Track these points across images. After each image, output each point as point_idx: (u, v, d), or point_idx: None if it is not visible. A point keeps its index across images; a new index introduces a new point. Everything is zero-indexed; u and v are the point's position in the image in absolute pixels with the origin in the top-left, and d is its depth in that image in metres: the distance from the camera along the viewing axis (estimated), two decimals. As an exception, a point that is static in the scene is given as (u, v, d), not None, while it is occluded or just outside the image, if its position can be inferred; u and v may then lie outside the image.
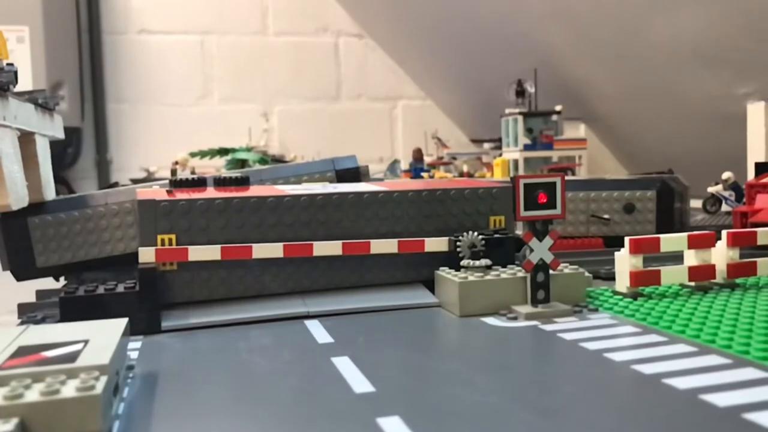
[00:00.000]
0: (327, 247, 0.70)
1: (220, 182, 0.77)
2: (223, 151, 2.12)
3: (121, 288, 0.65)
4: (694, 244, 0.72)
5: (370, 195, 0.73)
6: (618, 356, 0.51)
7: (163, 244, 0.67)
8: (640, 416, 0.40)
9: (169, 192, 0.71)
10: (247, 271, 0.69)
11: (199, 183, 0.76)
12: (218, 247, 0.67)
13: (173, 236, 0.67)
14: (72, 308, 0.62)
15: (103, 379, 0.38)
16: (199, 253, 0.67)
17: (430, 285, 0.74)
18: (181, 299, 0.68)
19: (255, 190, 0.74)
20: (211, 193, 0.71)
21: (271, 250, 0.69)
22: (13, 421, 0.35)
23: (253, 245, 0.68)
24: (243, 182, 0.77)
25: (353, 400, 0.44)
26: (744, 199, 1.13)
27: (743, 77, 1.09)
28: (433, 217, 0.74)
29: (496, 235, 0.73)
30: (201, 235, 0.68)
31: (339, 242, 0.71)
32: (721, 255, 0.72)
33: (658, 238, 0.70)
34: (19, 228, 0.78)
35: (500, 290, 0.66)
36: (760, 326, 0.56)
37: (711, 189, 1.32)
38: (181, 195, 0.69)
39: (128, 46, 2.55)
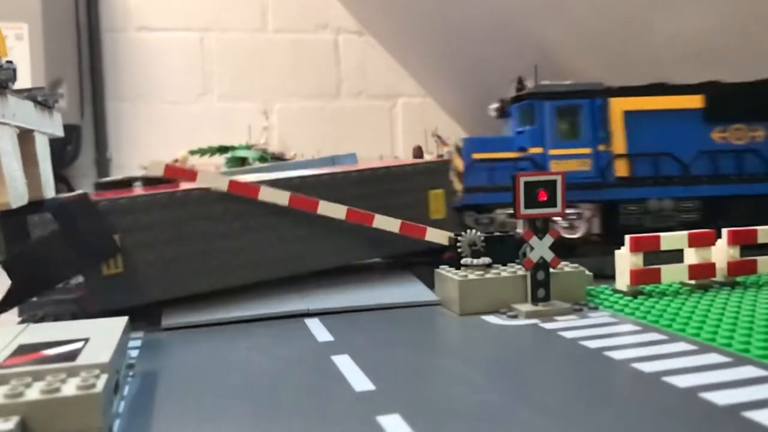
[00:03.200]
0: (331, 209, 0.72)
1: (149, 182, 0.76)
2: (222, 149, 2.12)
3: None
4: (694, 242, 0.72)
5: (314, 178, 0.73)
6: (618, 354, 0.51)
7: None
8: (640, 414, 0.40)
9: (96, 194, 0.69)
10: (210, 261, 0.67)
11: (125, 184, 0.75)
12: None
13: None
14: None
15: (104, 377, 0.38)
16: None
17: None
18: (130, 303, 0.64)
19: (191, 183, 0.72)
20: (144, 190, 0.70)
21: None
22: (14, 420, 0.35)
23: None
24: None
25: (353, 399, 0.44)
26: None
27: (743, 77, 1.09)
28: (377, 196, 0.75)
29: (497, 234, 0.73)
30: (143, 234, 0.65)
31: (343, 208, 0.72)
32: (721, 253, 0.72)
33: (659, 237, 0.70)
34: (19, 226, 0.78)
35: (500, 288, 0.66)
36: (761, 325, 0.56)
37: None
38: (109, 196, 0.67)
39: (128, 43, 2.55)
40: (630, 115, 0.88)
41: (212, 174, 0.73)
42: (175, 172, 0.68)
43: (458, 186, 0.88)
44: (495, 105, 0.97)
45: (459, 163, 0.88)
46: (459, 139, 0.90)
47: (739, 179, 0.88)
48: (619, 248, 0.71)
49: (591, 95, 0.87)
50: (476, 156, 0.88)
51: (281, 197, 0.70)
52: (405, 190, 0.77)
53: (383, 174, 0.76)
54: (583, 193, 0.85)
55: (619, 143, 0.87)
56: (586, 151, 0.86)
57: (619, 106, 0.88)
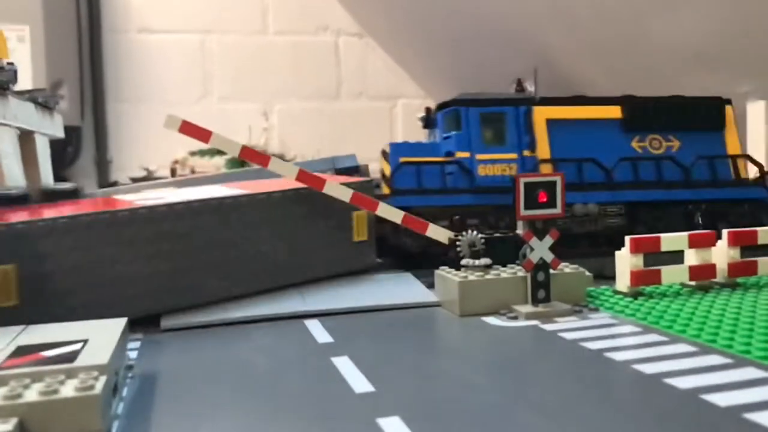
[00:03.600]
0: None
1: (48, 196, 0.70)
2: (222, 150, 2.12)
3: None
4: (694, 243, 0.71)
5: (231, 200, 0.68)
6: (618, 356, 0.51)
7: None
8: (640, 416, 0.40)
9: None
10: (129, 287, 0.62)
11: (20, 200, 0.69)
12: None
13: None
14: None
15: (103, 378, 0.38)
16: None
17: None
18: None
19: (96, 204, 0.67)
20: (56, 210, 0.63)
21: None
22: (12, 421, 0.34)
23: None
24: (72, 194, 0.72)
25: (353, 400, 0.44)
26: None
27: (743, 76, 1.08)
28: (301, 217, 0.73)
29: (497, 234, 0.73)
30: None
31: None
32: (721, 254, 0.72)
33: (659, 238, 0.70)
34: None
35: (500, 289, 0.66)
36: (761, 326, 0.56)
37: None
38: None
39: (128, 45, 2.55)
40: (553, 124, 0.91)
41: (225, 138, 0.71)
42: (190, 129, 0.68)
43: (386, 190, 0.88)
44: (420, 114, 0.99)
45: (386, 168, 0.90)
46: (386, 144, 0.92)
47: (658, 185, 0.91)
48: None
49: (515, 103, 0.91)
50: (403, 159, 0.89)
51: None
52: (328, 212, 0.75)
53: (306, 194, 0.73)
54: (509, 197, 0.86)
55: (543, 150, 0.90)
56: (512, 156, 0.89)
57: (542, 114, 0.92)
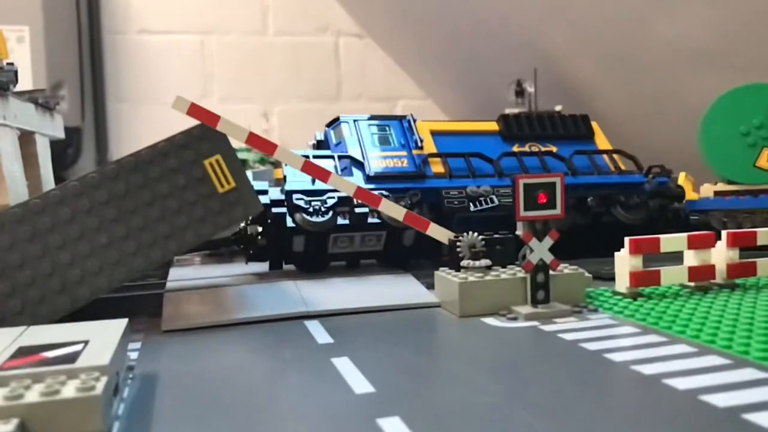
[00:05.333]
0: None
1: None
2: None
3: None
4: (693, 244, 0.72)
5: (65, 187, 0.63)
6: (618, 356, 0.51)
7: None
8: (639, 417, 0.40)
9: None
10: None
11: None
12: None
13: None
14: None
15: (104, 379, 0.38)
16: None
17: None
18: None
19: None
20: None
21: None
22: (14, 422, 0.35)
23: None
24: None
25: (353, 401, 0.44)
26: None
27: (743, 77, 1.09)
28: (140, 188, 0.65)
29: (496, 235, 0.73)
30: None
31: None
32: (720, 255, 0.72)
33: (658, 239, 0.70)
34: None
35: (500, 290, 0.66)
36: (760, 327, 0.56)
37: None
38: None
39: (128, 45, 2.55)
40: (437, 134, 0.98)
41: (232, 124, 0.70)
42: (198, 112, 0.67)
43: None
44: (311, 142, 1.03)
45: (279, 172, 0.93)
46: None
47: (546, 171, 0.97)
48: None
49: (397, 118, 0.97)
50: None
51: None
52: (172, 170, 0.66)
53: (134, 164, 0.65)
54: (405, 182, 0.89)
55: (430, 149, 0.95)
56: (401, 153, 0.92)
57: (425, 126, 0.98)
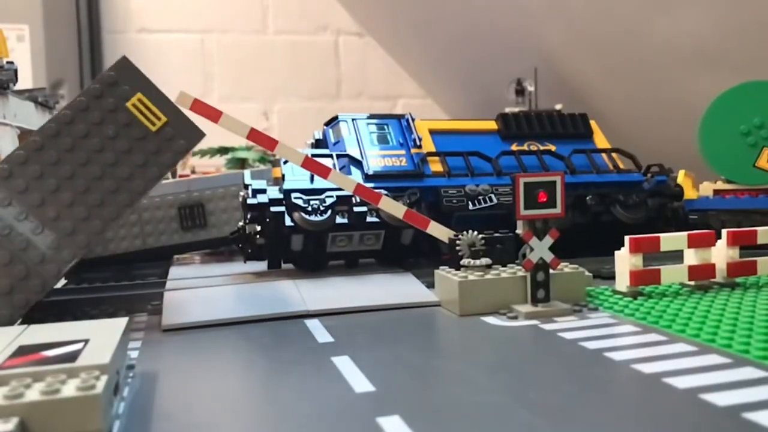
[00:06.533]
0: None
1: None
2: (223, 150, 2.12)
3: None
4: (694, 243, 0.72)
5: None
6: (618, 355, 0.51)
7: None
8: (639, 415, 0.40)
9: None
10: None
11: None
12: None
13: None
14: None
15: (104, 378, 0.38)
16: None
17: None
18: None
19: None
20: None
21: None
22: (14, 421, 0.35)
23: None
24: None
25: (353, 400, 0.44)
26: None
27: (743, 76, 1.09)
28: (76, 147, 0.62)
29: (496, 234, 0.73)
30: None
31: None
32: (721, 254, 0.72)
33: (658, 237, 0.70)
34: None
35: (500, 289, 0.66)
36: (760, 325, 0.56)
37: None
38: None
39: (128, 44, 2.55)
40: (435, 133, 0.97)
41: (234, 119, 0.70)
42: (201, 108, 0.67)
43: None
44: (310, 141, 1.03)
45: (278, 171, 0.94)
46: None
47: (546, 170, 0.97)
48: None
49: (396, 117, 0.97)
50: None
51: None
52: (97, 123, 0.62)
53: (56, 129, 0.62)
54: (404, 181, 0.89)
55: (429, 148, 0.95)
56: (400, 152, 0.93)
57: (424, 125, 0.97)
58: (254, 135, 0.69)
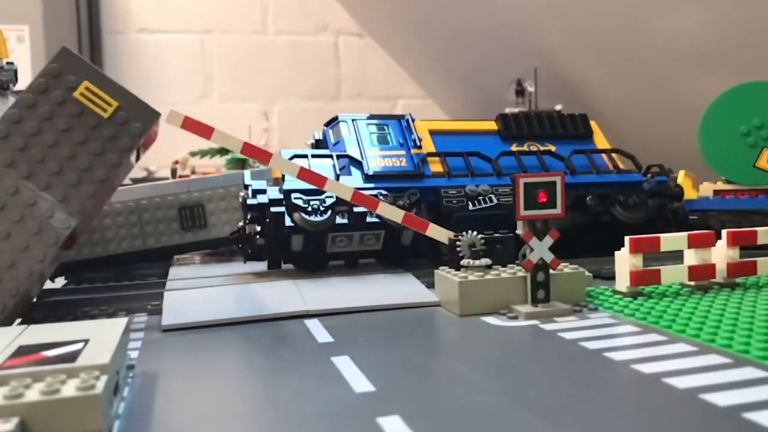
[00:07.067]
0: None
1: None
2: (223, 151, 2.12)
3: None
4: (694, 243, 0.72)
5: None
6: (618, 355, 0.51)
7: None
8: (639, 415, 0.40)
9: None
10: None
11: None
12: None
13: None
14: None
15: (104, 378, 0.38)
16: None
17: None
18: None
19: None
20: None
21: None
22: (14, 421, 0.35)
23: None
24: None
25: (353, 400, 0.44)
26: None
27: (743, 77, 1.09)
28: (30, 146, 0.60)
29: (496, 235, 0.73)
30: None
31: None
32: (721, 254, 0.72)
33: (659, 238, 0.70)
34: None
35: (500, 289, 0.66)
36: (760, 326, 0.56)
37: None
38: None
39: (128, 45, 2.55)
40: (435, 133, 0.97)
41: (227, 135, 0.70)
42: (192, 125, 0.67)
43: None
44: (310, 141, 1.03)
45: (278, 171, 0.93)
46: (278, 152, 0.93)
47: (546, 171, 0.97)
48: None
49: (396, 118, 0.97)
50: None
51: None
52: (47, 118, 0.61)
53: (5, 131, 0.61)
54: (404, 182, 0.89)
55: (429, 149, 0.95)
56: (400, 152, 0.93)
57: (424, 126, 0.97)
58: (248, 149, 0.69)
